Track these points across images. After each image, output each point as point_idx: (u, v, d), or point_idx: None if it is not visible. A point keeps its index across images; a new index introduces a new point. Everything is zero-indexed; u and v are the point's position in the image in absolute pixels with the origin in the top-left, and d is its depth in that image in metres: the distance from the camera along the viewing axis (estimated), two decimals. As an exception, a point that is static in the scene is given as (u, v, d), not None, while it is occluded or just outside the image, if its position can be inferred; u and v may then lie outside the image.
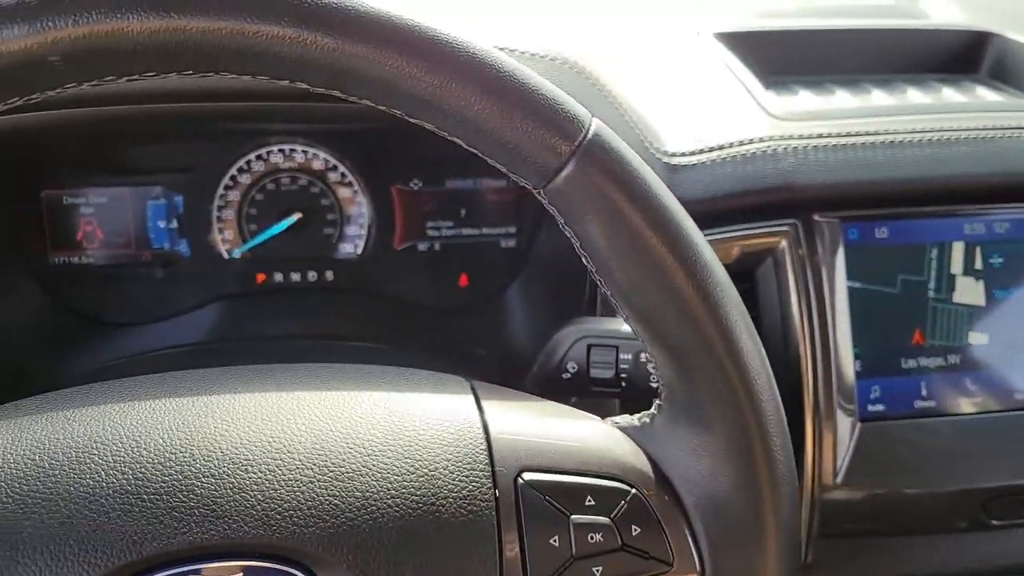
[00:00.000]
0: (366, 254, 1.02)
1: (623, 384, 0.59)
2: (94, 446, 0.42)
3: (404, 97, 0.41)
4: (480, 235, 1.05)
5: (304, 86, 0.41)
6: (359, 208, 1.01)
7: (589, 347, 0.59)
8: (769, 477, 0.45)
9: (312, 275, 1.02)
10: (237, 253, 1.00)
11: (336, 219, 1.01)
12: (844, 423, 0.72)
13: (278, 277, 1.01)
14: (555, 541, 0.43)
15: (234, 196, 0.98)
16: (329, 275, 1.02)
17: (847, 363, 0.73)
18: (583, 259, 0.45)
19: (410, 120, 0.43)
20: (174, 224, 0.99)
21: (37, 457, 0.42)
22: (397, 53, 0.39)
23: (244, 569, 0.40)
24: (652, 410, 0.49)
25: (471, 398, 0.49)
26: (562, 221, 0.44)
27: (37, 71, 0.37)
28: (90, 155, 0.95)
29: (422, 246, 1.04)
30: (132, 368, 0.89)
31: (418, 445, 0.44)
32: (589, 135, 0.42)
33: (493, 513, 0.43)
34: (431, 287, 1.04)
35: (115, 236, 0.98)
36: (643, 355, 0.60)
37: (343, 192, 1.01)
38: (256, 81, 0.76)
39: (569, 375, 0.60)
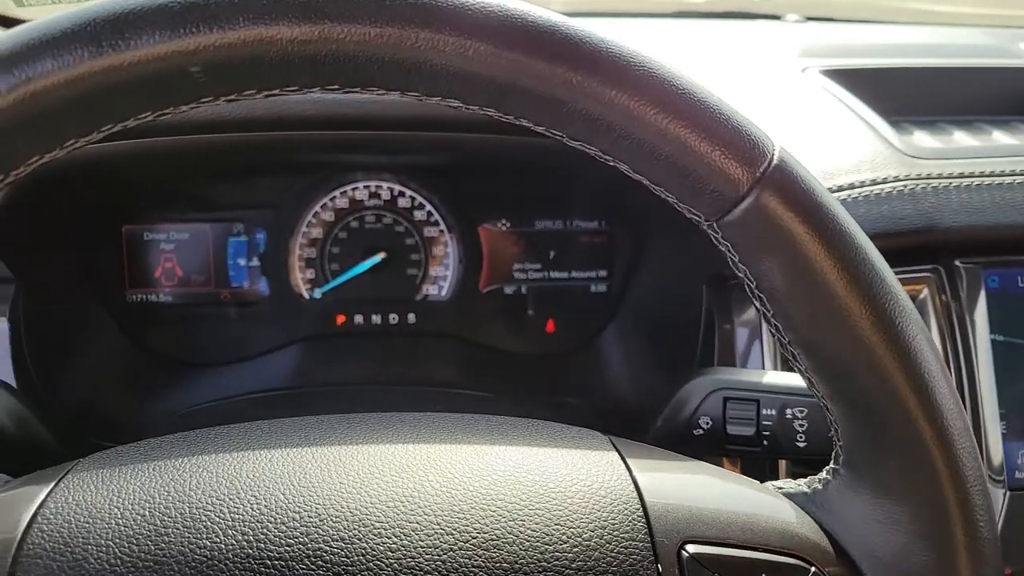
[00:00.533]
0: (451, 297, 0.98)
1: (764, 442, 0.53)
2: (210, 502, 0.38)
3: (570, 117, 0.36)
4: (569, 279, 1.00)
5: (456, 104, 0.37)
6: (445, 248, 0.97)
7: (725, 400, 0.54)
8: (971, 559, 0.39)
9: (394, 318, 0.97)
10: (318, 293, 0.96)
11: (420, 259, 0.97)
12: (992, 492, 0.65)
13: (359, 319, 0.97)
14: (727, 624, 0.38)
15: (317, 234, 0.95)
16: (411, 318, 0.98)
17: (993, 425, 0.67)
18: (756, 303, 0.40)
19: (571, 143, 0.38)
20: (255, 262, 0.95)
21: (147, 513, 0.37)
22: (569, 67, 0.35)
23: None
24: (824, 475, 0.43)
25: (616, 456, 0.43)
26: (735, 258, 0.39)
27: (175, 83, 0.33)
28: (172, 189, 0.92)
29: (508, 289, 0.99)
30: (217, 413, 0.85)
31: (568, 510, 0.39)
32: (774, 162, 0.37)
33: None
34: (517, 332, 0.99)
35: (194, 273, 0.95)
36: (789, 410, 0.54)
37: (429, 231, 0.97)
38: (344, 107, 0.74)
39: (702, 431, 0.55)
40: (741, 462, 0.65)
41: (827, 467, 0.43)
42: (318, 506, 0.38)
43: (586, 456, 0.43)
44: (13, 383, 0.69)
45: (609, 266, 0.99)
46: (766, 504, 0.42)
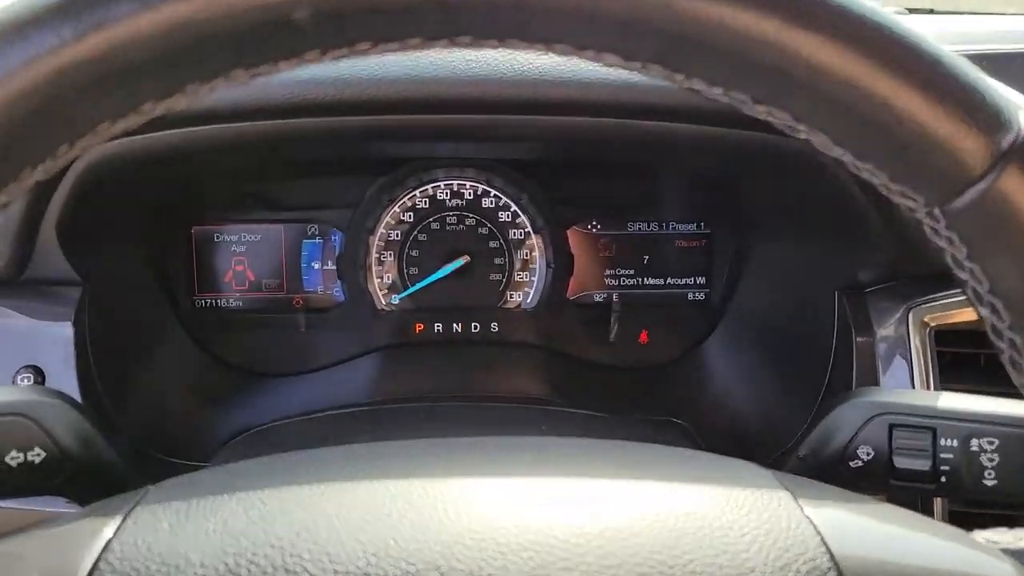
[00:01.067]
0: (537, 304, 0.90)
1: (942, 479, 0.45)
2: (306, 549, 0.31)
3: (756, 72, 0.29)
4: (665, 286, 0.92)
5: (614, 61, 0.29)
6: (531, 252, 0.90)
7: (892, 427, 0.46)
8: None
9: (475, 326, 0.91)
10: (395, 300, 0.90)
11: (504, 264, 0.90)
12: None
13: (438, 327, 0.90)
14: None
15: (395, 236, 0.89)
16: (494, 327, 0.91)
17: None
18: (984, 311, 0.32)
19: (754, 109, 0.30)
20: (330, 265, 0.89)
21: (230, 559, 0.31)
22: (754, 7, 0.27)
23: None
24: (1052, 527, 0.34)
25: (786, 495, 0.35)
26: (961, 253, 0.31)
27: (275, 35, 0.26)
28: (244, 188, 0.87)
29: (599, 297, 0.92)
30: (291, 430, 0.79)
31: (746, 566, 0.31)
32: (1022, 134, 0.29)
33: None
34: (607, 343, 0.91)
35: (266, 277, 0.89)
36: (976, 441, 0.45)
37: (514, 233, 0.90)
38: (429, 86, 0.66)
39: (861, 462, 0.46)
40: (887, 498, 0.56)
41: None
42: (439, 555, 0.31)
43: (754, 497, 0.35)
44: (76, 395, 0.63)
45: (708, 272, 0.91)
46: (982, 564, 0.34)
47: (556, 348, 0.91)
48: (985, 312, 0.32)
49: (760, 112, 0.31)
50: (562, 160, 0.86)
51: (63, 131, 0.27)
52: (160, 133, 0.63)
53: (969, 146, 0.29)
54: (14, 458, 0.44)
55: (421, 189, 0.88)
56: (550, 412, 0.81)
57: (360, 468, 0.36)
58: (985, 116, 0.29)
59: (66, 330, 0.67)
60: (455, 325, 0.90)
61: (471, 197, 0.89)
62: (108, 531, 0.33)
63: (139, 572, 0.31)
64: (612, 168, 0.87)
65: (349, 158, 0.83)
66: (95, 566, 0.31)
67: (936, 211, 0.30)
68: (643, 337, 0.92)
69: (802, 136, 0.31)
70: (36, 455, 0.45)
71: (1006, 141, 0.29)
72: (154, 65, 0.26)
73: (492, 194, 0.89)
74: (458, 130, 0.69)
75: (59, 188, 0.64)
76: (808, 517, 0.34)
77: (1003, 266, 0.30)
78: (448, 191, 0.89)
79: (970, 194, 0.29)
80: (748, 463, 0.39)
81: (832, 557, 0.32)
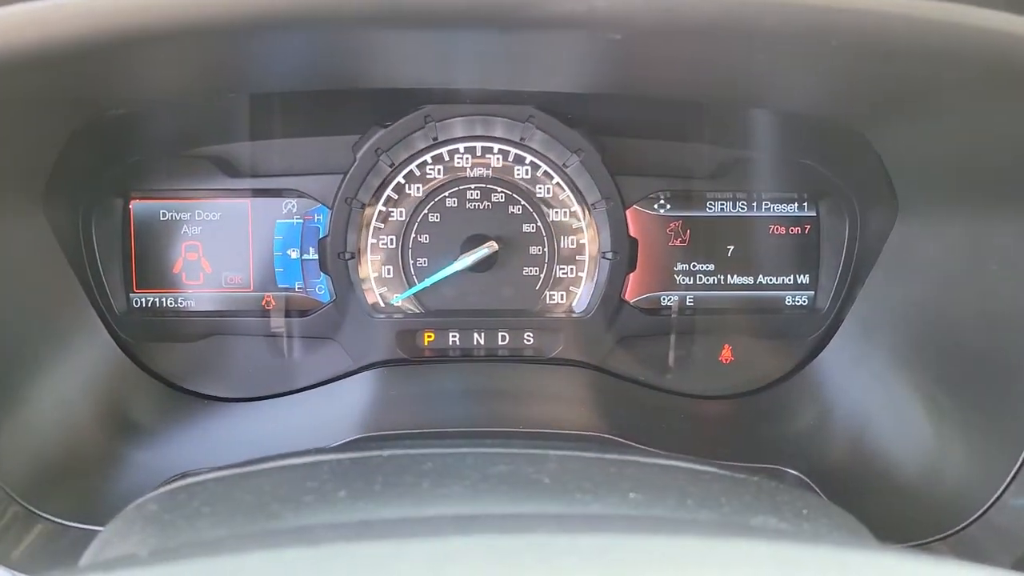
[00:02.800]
0: (585, 308, 0.68)
1: None
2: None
3: None
4: (754, 286, 0.69)
5: None
6: (578, 238, 0.68)
7: None
8: None
9: (503, 337, 0.69)
10: (397, 300, 0.68)
11: (543, 254, 0.68)
12: None
13: (453, 339, 0.69)
14: None
15: (398, 215, 0.67)
16: (529, 338, 0.69)
17: None
18: None
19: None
20: (311, 254, 0.68)
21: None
22: None
23: None
24: None
25: None
26: None
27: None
28: (197, 145, 0.66)
29: (667, 299, 0.70)
30: (233, 484, 0.56)
31: None
32: None
33: None
34: (678, 362, 0.69)
35: (227, 270, 0.68)
36: None
37: (556, 213, 0.68)
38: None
39: None
40: None
41: None
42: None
43: None
44: None
45: (815, 268, 0.69)
46: None
47: (611, 368, 0.69)
48: None
49: None
50: (624, 106, 0.63)
51: None
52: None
53: None
54: None
55: (433, 152, 0.66)
56: (611, 460, 0.58)
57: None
58: None
59: None
60: (476, 336, 0.69)
61: (499, 164, 0.67)
62: None
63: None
64: (687, 121, 0.65)
65: (339, 93, 0.60)
66: None
67: None
68: (725, 353, 0.69)
69: None
70: None
71: None
72: None
73: (528, 159, 0.67)
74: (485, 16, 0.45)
75: None
76: None
77: None
78: (469, 155, 0.67)
79: None
80: None
81: None
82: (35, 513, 0.50)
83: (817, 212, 0.69)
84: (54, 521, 0.50)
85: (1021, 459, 0.44)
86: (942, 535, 0.47)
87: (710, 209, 0.70)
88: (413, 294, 0.68)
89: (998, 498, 0.44)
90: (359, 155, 0.65)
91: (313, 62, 0.50)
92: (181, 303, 0.68)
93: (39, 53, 0.38)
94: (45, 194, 0.57)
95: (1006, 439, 0.45)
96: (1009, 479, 0.44)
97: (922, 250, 0.58)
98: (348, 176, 0.66)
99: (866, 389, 0.61)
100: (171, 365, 0.67)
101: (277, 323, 0.68)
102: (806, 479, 0.58)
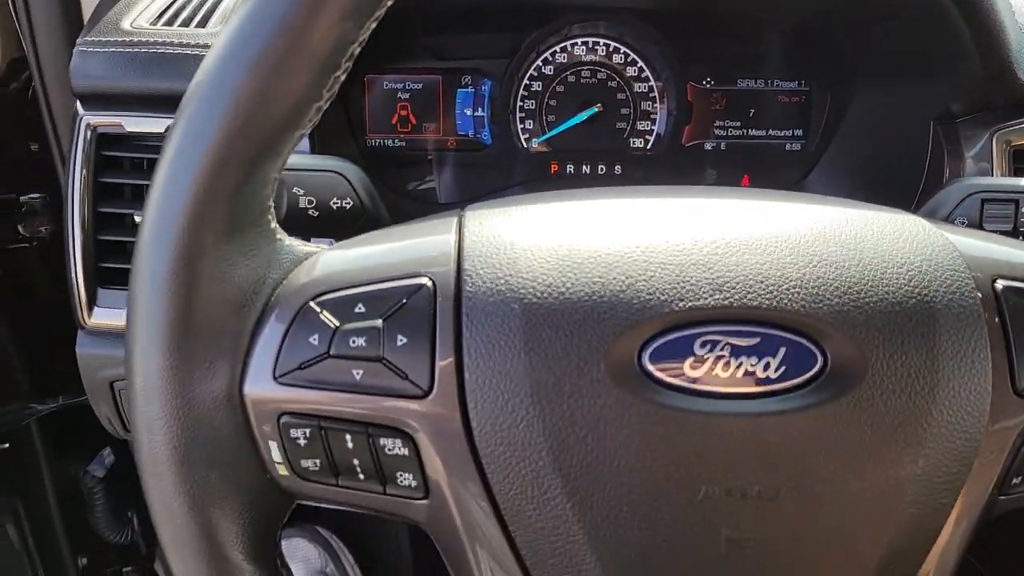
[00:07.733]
0: (656, 149, 1.05)
1: (1020, 237, 0.59)
2: (610, 214, 0.47)
3: None
4: (766, 136, 1.06)
5: None
6: (652, 104, 1.04)
7: (983, 202, 0.60)
8: None
9: (602, 168, 1.05)
10: (535, 143, 1.05)
11: (630, 114, 1.04)
12: None
13: (570, 168, 1.05)
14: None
15: (537, 87, 1.03)
16: (618, 169, 1.06)
17: None
18: None
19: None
20: (480, 112, 1.04)
21: (576, 229, 0.46)
22: None
23: (762, 336, 0.43)
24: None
25: (918, 219, 0.50)
26: None
27: None
28: (409, 40, 1.01)
29: (708, 145, 1.06)
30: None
31: (907, 249, 0.46)
32: None
33: (980, 308, 0.45)
34: (714, 184, 1.06)
35: (426, 121, 1.04)
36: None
37: (639, 87, 1.04)
38: None
39: (959, 229, 0.61)
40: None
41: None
42: (695, 232, 0.46)
43: (894, 217, 0.50)
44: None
45: (806, 126, 1.05)
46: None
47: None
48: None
49: None
50: (682, 15, 0.99)
51: None
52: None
53: None
54: (335, 203, 0.60)
55: (561, 46, 1.02)
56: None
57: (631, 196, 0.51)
58: None
59: None
60: (584, 166, 1.05)
61: (604, 54, 1.03)
62: (453, 221, 0.48)
63: (492, 240, 0.46)
64: (725, 25, 1.00)
65: (504, 9, 0.96)
66: (460, 239, 0.47)
67: None
68: (744, 181, 1.06)
69: None
70: (347, 203, 0.61)
71: None
72: None
73: (622, 51, 1.02)
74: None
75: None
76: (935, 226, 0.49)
77: None
78: (584, 47, 1.02)
79: None
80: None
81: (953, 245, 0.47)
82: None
83: (809, 90, 1.05)
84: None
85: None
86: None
87: (740, 85, 1.05)
88: (546, 139, 1.05)
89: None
90: (523, 45, 1.01)
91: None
92: (396, 143, 1.06)
93: None
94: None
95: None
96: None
97: (865, 111, 0.95)
98: (512, 62, 1.02)
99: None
100: (393, 185, 1.05)
101: (456, 157, 1.06)
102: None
